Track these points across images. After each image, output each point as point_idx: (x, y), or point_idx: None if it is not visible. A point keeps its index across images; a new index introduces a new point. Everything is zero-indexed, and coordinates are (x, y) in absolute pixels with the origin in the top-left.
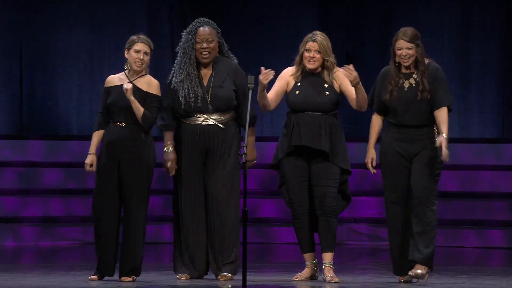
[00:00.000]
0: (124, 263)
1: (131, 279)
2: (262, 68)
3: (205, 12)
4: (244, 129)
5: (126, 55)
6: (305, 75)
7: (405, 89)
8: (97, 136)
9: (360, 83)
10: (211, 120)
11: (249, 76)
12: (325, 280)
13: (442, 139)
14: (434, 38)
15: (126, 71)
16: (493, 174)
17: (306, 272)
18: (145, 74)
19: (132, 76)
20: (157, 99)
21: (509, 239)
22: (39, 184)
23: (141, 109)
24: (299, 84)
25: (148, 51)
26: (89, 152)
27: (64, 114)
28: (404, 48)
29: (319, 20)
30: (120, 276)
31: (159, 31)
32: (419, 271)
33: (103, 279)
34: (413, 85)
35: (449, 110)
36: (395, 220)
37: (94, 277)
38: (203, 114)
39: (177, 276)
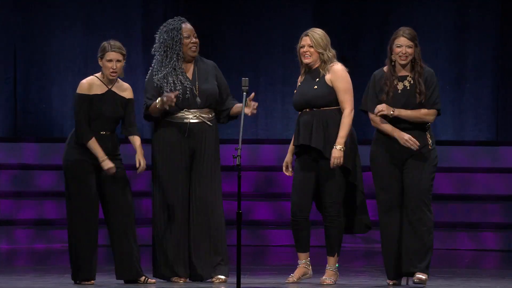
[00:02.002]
0: (137, 265)
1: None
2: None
3: (201, 15)
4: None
5: (99, 63)
6: (306, 73)
7: (399, 91)
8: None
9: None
10: (200, 117)
11: (243, 78)
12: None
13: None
14: (429, 40)
15: (98, 76)
16: (487, 176)
17: (298, 272)
18: (117, 79)
19: (109, 83)
20: (133, 102)
21: (504, 242)
22: (33, 186)
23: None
24: (299, 83)
25: (121, 58)
26: (105, 158)
27: (59, 116)
28: (405, 46)
29: (315, 22)
30: (138, 278)
31: (154, 33)
32: (422, 276)
33: (124, 283)
34: (408, 88)
35: (438, 114)
36: (389, 228)
37: (92, 282)
38: (191, 110)
39: (173, 279)
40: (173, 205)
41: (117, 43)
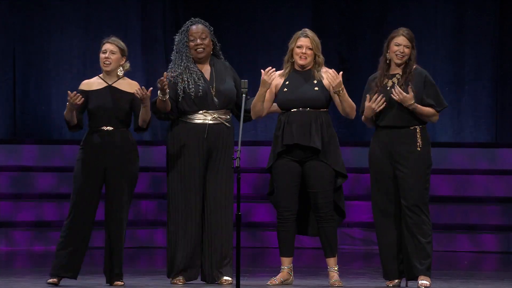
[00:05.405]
0: (114, 268)
1: (122, 283)
2: (263, 71)
3: (199, 17)
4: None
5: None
6: (294, 72)
7: (388, 88)
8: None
9: (344, 90)
10: (219, 118)
11: (242, 80)
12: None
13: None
14: (427, 41)
15: (100, 75)
16: (486, 178)
17: (281, 276)
18: (123, 76)
19: (109, 79)
20: None
21: (502, 244)
22: (32, 188)
23: (149, 113)
24: (287, 82)
25: (115, 50)
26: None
27: (57, 118)
28: (403, 45)
29: (313, 24)
30: (111, 281)
31: (152, 35)
32: (426, 282)
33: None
34: (395, 84)
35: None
36: (384, 228)
37: (54, 280)
38: (209, 111)
39: (173, 281)
40: (188, 206)
41: (115, 37)
